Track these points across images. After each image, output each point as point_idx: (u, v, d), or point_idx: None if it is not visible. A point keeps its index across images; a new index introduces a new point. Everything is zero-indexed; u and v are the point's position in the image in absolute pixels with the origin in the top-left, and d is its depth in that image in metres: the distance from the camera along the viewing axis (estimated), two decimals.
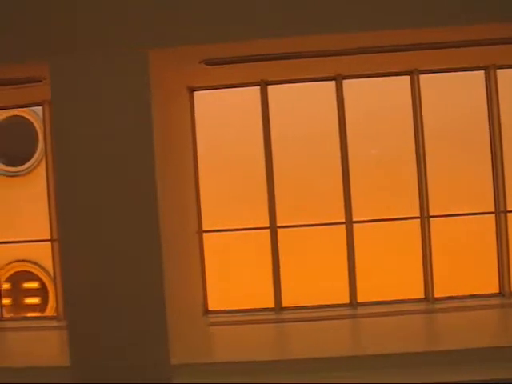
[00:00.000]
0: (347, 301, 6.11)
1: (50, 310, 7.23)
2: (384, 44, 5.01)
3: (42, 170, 6.94)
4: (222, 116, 6.35)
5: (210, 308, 6.26)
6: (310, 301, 6.11)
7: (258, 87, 6.13)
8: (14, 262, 7.28)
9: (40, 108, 6.84)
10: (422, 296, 6.13)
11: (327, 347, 5.07)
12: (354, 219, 6.07)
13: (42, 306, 7.37)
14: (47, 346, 6.00)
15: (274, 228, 6.09)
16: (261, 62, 5.28)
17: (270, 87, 6.15)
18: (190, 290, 5.88)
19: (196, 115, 6.23)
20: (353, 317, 6.01)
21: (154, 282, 4.83)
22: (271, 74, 5.96)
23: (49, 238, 6.64)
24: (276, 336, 5.95)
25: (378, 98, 6.22)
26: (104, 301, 4.92)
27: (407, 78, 6.10)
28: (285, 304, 6.14)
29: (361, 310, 6.03)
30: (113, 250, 4.91)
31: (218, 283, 6.29)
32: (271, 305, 6.15)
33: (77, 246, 4.98)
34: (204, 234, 6.24)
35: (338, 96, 6.09)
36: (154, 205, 4.82)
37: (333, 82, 6.11)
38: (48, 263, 6.99)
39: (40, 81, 5.50)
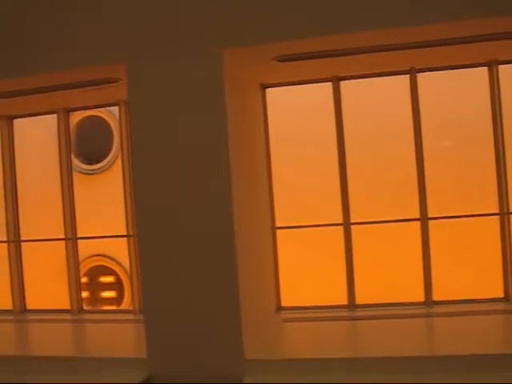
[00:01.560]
0: (422, 299, 5.96)
1: (125, 304, 7.44)
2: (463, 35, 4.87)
3: (117, 168, 7.12)
4: (295, 112, 6.32)
5: (283, 304, 6.26)
6: (383, 298, 6.01)
7: (330, 83, 6.08)
8: (92, 256, 7.53)
9: (115, 107, 7.02)
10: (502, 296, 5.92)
11: (401, 346, 4.97)
12: (430, 215, 5.91)
13: (117, 300, 7.59)
14: (124, 339, 6.18)
15: (347, 224, 6.01)
16: (333, 58, 5.23)
17: (342, 83, 6.09)
18: (263, 286, 5.91)
19: (268, 112, 6.25)
20: (428, 315, 5.85)
21: (229, 278, 4.89)
22: (344, 69, 5.90)
23: (125, 233, 6.80)
24: (349, 333, 5.88)
25: (453, 92, 6.04)
26: (179, 295, 5.03)
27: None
28: (358, 301, 6.07)
29: (437, 309, 5.87)
30: (188, 246, 5.00)
31: (291, 280, 6.27)
32: (344, 302, 6.09)
33: (153, 241, 5.12)
34: (277, 231, 6.24)
35: (411, 90, 5.94)
36: (229, 201, 4.87)
37: (407, 76, 5.98)
38: (124, 258, 7.19)
39: (116, 81, 5.66)
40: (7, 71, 5.54)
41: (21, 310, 7.32)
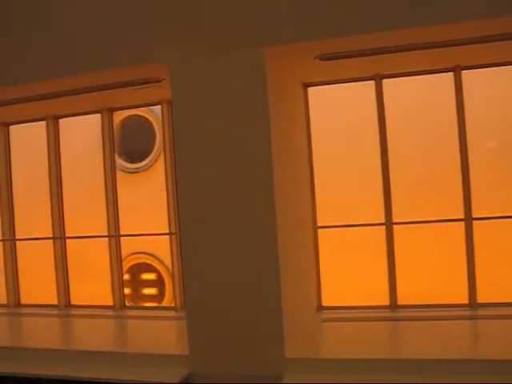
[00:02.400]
0: (466, 301, 5.85)
1: (166, 301, 7.51)
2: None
3: (159, 166, 7.20)
4: (336, 111, 6.29)
5: (324, 304, 6.23)
6: (426, 299, 5.91)
7: (373, 81, 6.02)
8: (133, 254, 7.62)
9: (157, 107, 7.10)
10: None
11: (443, 349, 4.90)
12: (474, 216, 5.79)
13: (158, 297, 7.67)
14: (166, 335, 6.25)
15: (389, 224, 5.95)
16: (375, 56, 5.18)
17: (384, 81, 6.02)
18: (304, 286, 5.89)
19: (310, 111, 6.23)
20: (472, 318, 5.73)
21: (271, 277, 4.91)
22: (386, 67, 5.83)
23: (167, 231, 6.88)
24: (390, 334, 5.81)
25: (499, 90, 5.91)
26: (221, 294, 5.08)
27: None
28: (400, 302, 5.99)
29: (481, 311, 5.74)
30: (230, 244, 5.04)
31: (333, 279, 6.24)
32: (386, 302, 6.02)
33: (196, 240, 5.18)
34: (319, 230, 6.21)
35: (456, 87, 5.83)
36: (271, 200, 4.89)
37: (450, 74, 5.88)
38: (165, 256, 7.27)
39: (159, 81, 5.73)
40: (51, 72, 5.68)
41: (65, 304, 7.48)
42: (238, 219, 5.00)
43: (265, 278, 4.93)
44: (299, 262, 5.74)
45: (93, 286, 7.60)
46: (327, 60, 5.21)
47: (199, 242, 5.16)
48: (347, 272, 6.18)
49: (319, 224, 6.21)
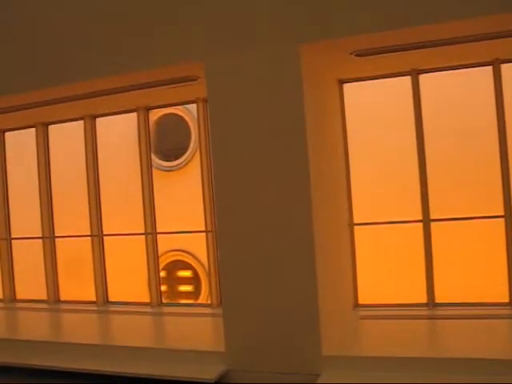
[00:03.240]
0: (507, 299, 5.70)
1: (202, 298, 7.55)
2: None
3: (194, 165, 7.25)
4: (372, 107, 6.23)
5: (361, 302, 6.18)
6: (465, 298, 5.81)
7: (409, 76, 5.94)
8: (170, 251, 7.69)
9: (192, 105, 7.14)
10: None
11: (483, 348, 4.81)
12: None
13: (194, 294, 7.72)
14: (202, 332, 6.29)
15: (427, 221, 5.86)
16: (412, 51, 5.11)
17: (421, 76, 5.94)
18: (340, 283, 5.87)
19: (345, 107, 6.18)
20: None
21: (307, 274, 4.90)
22: (423, 62, 5.75)
23: (203, 229, 6.91)
24: (428, 333, 5.75)
25: None
26: (258, 291, 5.09)
27: None
28: (438, 300, 5.91)
29: None
30: (267, 241, 5.05)
31: (369, 277, 6.19)
32: (424, 300, 5.94)
33: (232, 237, 5.20)
34: (355, 227, 6.17)
35: (495, 81, 5.70)
36: (307, 196, 4.88)
37: (489, 68, 5.76)
38: (201, 253, 7.31)
39: (195, 79, 5.77)
40: (89, 73, 5.77)
41: (104, 301, 7.60)
42: (275, 216, 5.01)
43: (301, 276, 4.93)
44: (336, 259, 5.71)
45: (130, 283, 7.71)
46: (363, 56, 5.17)
47: (236, 239, 5.18)
48: (384, 269, 6.13)
49: (355, 221, 6.16)
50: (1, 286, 8.39)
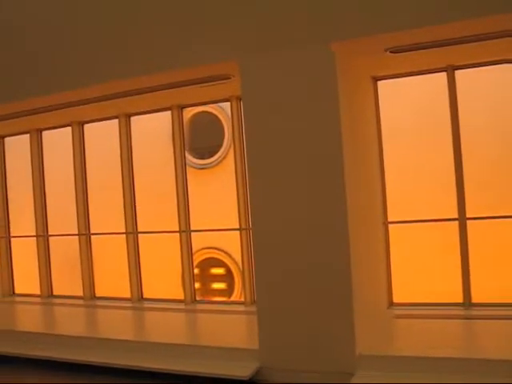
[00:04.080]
0: None
1: (235, 296, 7.59)
2: None
3: (228, 162, 7.28)
4: (407, 104, 6.16)
5: (395, 300, 6.13)
6: (503, 298, 5.70)
7: (445, 73, 5.86)
8: (203, 249, 7.74)
9: (225, 103, 7.17)
10: None
11: None
12: None
13: (227, 291, 7.76)
14: (236, 329, 6.33)
15: (463, 219, 5.77)
16: (447, 47, 5.04)
17: (457, 72, 5.85)
18: (375, 282, 5.83)
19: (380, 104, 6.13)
20: None
21: (342, 273, 4.88)
22: (459, 58, 5.66)
23: (236, 226, 6.93)
24: (464, 333, 5.66)
25: None
26: (293, 289, 5.09)
27: None
28: (475, 300, 5.82)
29: None
30: (301, 240, 5.04)
31: (404, 275, 6.13)
32: (460, 300, 5.85)
33: (267, 235, 5.21)
34: (389, 225, 6.11)
35: None
36: (342, 195, 4.85)
37: None
38: (234, 250, 7.34)
39: (229, 78, 5.79)
40: (123, 72, 5.84)
41: (138, 298, 7.68)
42: (309, 214, 4.99)
43: (336, 274, 4.91)
44: (370, 257, 5.68)
45: (164, 280, 7.78)
46: (398, 52, 5.11)
47: (270, 237, 5.19)
48: (419, 268, 6.06)
49: (390, 219, 6.11)
50: (38, 282, 8.57)
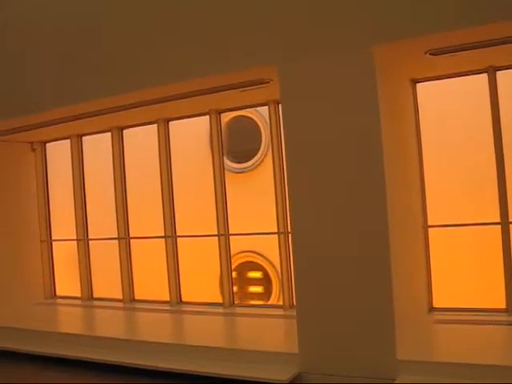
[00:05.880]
0: None
1: (273, 299, 7.58)
2: None
3: (265, 167, 7.29)
4: (445, 106, 6.09)
5: (435, 305, 6.04)
6: None
7: (486, 74, 5.77)
8: (240, 252, 7.76)
9: (262, 107, 7.20)
10: None
11: None
12: None
13: (264, 295, 7.76)
14: (275, 333, 6.33)
15: (505, 223, 5.65)
16: (488, 48, 4.96)
17: (498, 73, 5.75)
18: (415, 285, 5.76)
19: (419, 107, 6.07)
20: None
21: (382, 277, 4.84)
22: (500, 58, 5.56)
23: (274, 230, 6.92)
24: (507, 340, 5.52)
25: None
26: (333, 293, 5.07)
27: None
28: None
29: None
30: (342, 243, 5.03)
31: (444, 279, 6.04)
32: (502, 305, 5.73)
33: (307, 239, 5.22)
34: (429, 229, 6.03)
35: None
36: (382, 198, 4.83)
37: None
38: (271, 254, 7.34)
39: (267, 82, 5.81)
40: (163, 78, 5.92)
41: (177, 301, 7.75)
42: (349, 218, 4.98)
43: (376, 277, 4.87)
44: (410, 261, 5.62)
45: (202, 283, 7.83)
46: (438, 54, 5.06)
47: (310, 241, 5.18)
48: (460, 272, 5.97)
49: (430, 223, 6.03)
50: (79, 285, 8.73)
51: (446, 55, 5.09)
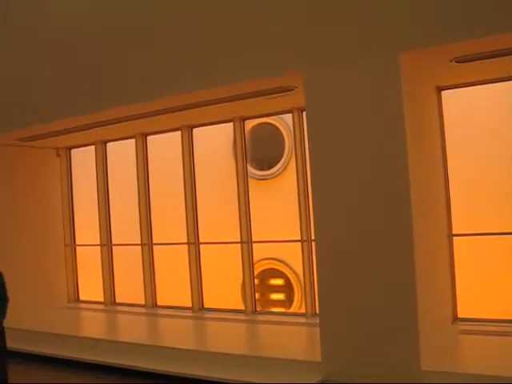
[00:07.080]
0: None
1: (294, 307, 7.56)
2: None
3: (288, 174, 7.29)
4: (471, 114, 6.04)
5: (460, 315, 5.97)
6: None
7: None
8: (262, 259, 7.75)
9: (285, 115, 7.21)
10: None
11: None
12: None
13: (286, 302, 7.74)
14: (297, 341, 6.31)
15: None
16: None
17: None
18: (439, 295, 5.69)
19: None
20: None
21: (407, 286, 4.81)
22: None
23: (297, 238, 6.89)
24: None
25: None
26: (356, 301, 5.05)
27: None
28: None
29: None
30: (366, 252, 5.01)
31: (469, 289, 5.97)
32: None
33: (331, 247, 5.20)
34: (455, 238, 5.97)
35: None
36: (407, 206, 4.80)
37: None
38: (293, 261, 7.32)
39: (292, 89, 5.81)
40: (187, 86, 5.97)
41: (199, 307, 7.77)
42: (374, 227, 4.96)
43: (400, 287, 4.84)
44: (435, 270, 5.56)
45: (224, 290, 7.84)
46: (463, 62, 5.02)
47: (334, 249, 5.17)
48: (486, 282, 5.89)
49: (454, 232, 5.97)
50: (102, 290, 8.80)
51: (471, 63, 5.05)
